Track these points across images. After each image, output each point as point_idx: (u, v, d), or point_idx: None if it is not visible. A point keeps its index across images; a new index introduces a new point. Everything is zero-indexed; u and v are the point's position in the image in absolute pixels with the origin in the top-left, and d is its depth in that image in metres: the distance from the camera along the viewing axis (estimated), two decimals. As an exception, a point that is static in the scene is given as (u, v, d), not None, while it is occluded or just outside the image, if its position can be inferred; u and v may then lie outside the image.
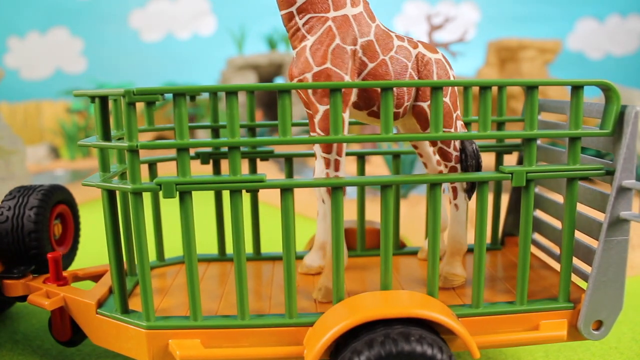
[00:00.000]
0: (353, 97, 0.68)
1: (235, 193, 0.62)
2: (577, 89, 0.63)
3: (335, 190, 0.62)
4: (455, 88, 0.72)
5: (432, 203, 0.65)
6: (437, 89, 0.61)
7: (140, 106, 1.23)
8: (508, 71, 3.19)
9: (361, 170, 0.90)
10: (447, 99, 0.71)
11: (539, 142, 0.86)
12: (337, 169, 0.68)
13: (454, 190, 0.75)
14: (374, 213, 1.02)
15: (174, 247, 1.03)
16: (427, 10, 4.97)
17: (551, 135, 0.65)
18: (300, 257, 0.85)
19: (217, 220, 0.90)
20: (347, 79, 0.65)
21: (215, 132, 0.87)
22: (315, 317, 0.64)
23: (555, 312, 0.68)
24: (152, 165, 0.86)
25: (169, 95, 2.14)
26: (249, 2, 4.95)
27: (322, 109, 0.65)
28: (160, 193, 0.61)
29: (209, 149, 0.86)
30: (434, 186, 0.64)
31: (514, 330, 0.67)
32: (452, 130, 0.72)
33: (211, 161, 0.87)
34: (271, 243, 1.14)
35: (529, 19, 5.31)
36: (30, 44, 5.06)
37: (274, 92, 3.87)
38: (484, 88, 0.62)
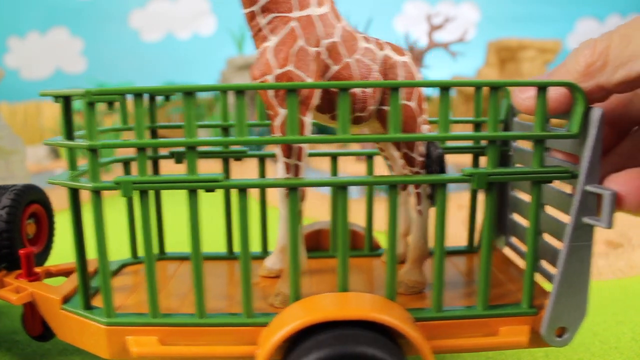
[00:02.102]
0: (316, 100, 0.66)
1: (192, 193, 0.62)
2: (542, 89, 0.60)
3: (292, 192, 0.62)
4: (423, 91, 0.71)
5: (392, 206, 0.64)
6: (395, 90, 0.60)
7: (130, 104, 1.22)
8: (508, 71, 3.19)
9: (334, 171, 0.88)
10: (411, 103, 0.69)
11: (515, 144, 0.84)
12: (297, 173, 0.67)
13: (418, 195, 0.74)
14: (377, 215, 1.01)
15: (172, 243, 1.03)
16: (427, 10, 4.97)
17: (513, 137, 0.63)
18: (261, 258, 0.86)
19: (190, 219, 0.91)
20: (310, 82, 0.63)
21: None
22: (271, 317, 0.64)
23: (517, 318, 0.66)
24: (126, 164, 0.87)
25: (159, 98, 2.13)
26: (249, 2, 4.94)
27: (282, 112, 0.63)
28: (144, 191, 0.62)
29: (182, 149, 0.86)
30: (392, 188, 0.63)
31: (474, 335, 0.66)
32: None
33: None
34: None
35: (529, 19, 5.31)
36: (30, 44, 5.06)
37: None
38: (444, 89, 0.61)
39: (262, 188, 0.62)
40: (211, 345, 0.64)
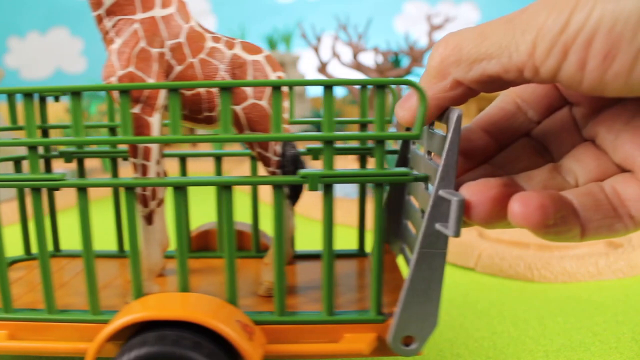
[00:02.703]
0: (163, 101, 0.67)
1: (35, 191, 0.64)
2: (381, 88, 0.60)
3: (128, 191, 0.63)
4: (284, 90, 0.70)
5: (226, 204, 0.63)
6: (225, 90, 0.60)
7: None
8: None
9: (183, 171, 0.90)
10: (262, 102, 0.69)
11: (414, 146, 0.83)
12: (144, 173, 0.67)
13: None
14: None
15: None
16: (427, 10, 4.97)
17: (350, 137, 0.63)
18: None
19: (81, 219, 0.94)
20: (151, 82, 0.63)
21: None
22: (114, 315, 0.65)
23: (363, 325, 0.65)
24: (17, 163, 0.91)
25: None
26: (249, 2, 4.95)
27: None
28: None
29: (72, 148, 0.90)
30: (225, 189, 0.63)
31: (319, 341, 0.65)
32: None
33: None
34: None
35: (529, 19, 5.30)
36: (30, 44, 5.06)
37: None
38: (275, 88, 0.60)
39: (101, 187, 0.63)
40: (58, 341, 0.65)
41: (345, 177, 0.61)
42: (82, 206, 0.64)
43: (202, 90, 0.67)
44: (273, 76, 0.70)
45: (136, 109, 0.64)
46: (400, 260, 0.92)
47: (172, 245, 1.25)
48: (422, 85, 0.53)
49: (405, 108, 0.55)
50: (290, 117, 0.81)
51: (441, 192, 0.55)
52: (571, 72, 0.41)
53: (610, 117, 0.49)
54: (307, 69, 4.06)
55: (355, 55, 2.50)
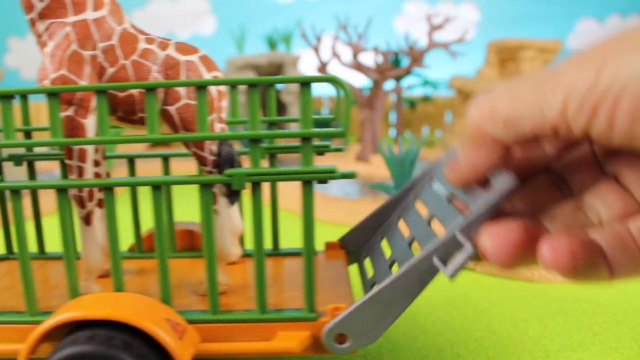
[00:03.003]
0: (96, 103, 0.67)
1: None
2: (305, 86, 0.59)
3: (60, 193, 0.63)
4: (213, 90, 0.70)
5: (156, 203, 0.64)
6: (150, 90, 0.60)
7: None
8: (508, 71, 3.18)
9: (166, 170, 0.90)
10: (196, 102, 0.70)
11: None
12: (80, 175, 0.68)
13: (213, 195, 0.72)
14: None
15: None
16: (427, 10, 4.97)
17: (274, 135, 0.63)
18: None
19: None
20: (83, 84, 0.64)
21: (27, 135, 0.88)
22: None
23: (297, 323, 0.65)
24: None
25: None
26: (249, 2, 4.95)
27: (62, 115, 0.65)
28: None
29: (22, 151, 0.89)
30: (155, 189, 0.64)
31: (254, 339, 0.65)
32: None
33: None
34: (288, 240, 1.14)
35: (529, 19, 5.30)
36: (30, 44, 5.06)
37: (272, 91, 3.85)
38: (200, 88, 0.61)
39: (34, 190, 0.65)
40: None
41: (272, 175, 0.62)
42: (16, 208, 0.64)
43: (134, 91, 0.67)
44: (208, 76, 0.70)
45: (69, 112, 0.65)
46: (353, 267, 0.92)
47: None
48: (460, 150, 0.51)
49: (453, 169, 0.56)
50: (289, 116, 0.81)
51: (458, 235, 0.53)
52: (601, 129, 0.42)
53: (633, 156, 0.50)
54: (307, 68, 4.06)
55: (355, 55, 2.50)
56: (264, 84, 0.63)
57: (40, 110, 3.94)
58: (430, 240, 0.61)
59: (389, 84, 3.33)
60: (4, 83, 2.82)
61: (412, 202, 0.75)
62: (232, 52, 4.13)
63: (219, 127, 0.72)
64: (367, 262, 0.81)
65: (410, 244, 0.67)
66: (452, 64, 3.25)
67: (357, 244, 0.85)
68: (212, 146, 0.71)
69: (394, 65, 3.11)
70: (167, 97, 0.68)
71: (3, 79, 2.18)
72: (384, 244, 0.78)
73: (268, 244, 0.95)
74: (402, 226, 0.74)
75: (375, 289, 0.59)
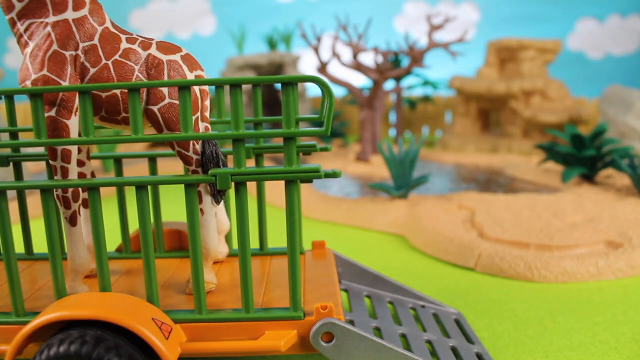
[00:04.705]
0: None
1: None
2: (288, 85, 0.59)
3: (44, 193, 0.63)
4: (196, 89, 0.70)
5: (139, 203, 0.64)
6: (133, 90, 0.60)
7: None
8: (508, 71, 3.18)
9: (153, 170, 0.90)
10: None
11: None
12: (64, 175, 0.68)
13: (198, 194, 0.71)
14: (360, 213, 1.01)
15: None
16: (427, 10, 4.97)
17: (258, 135, 0.63)
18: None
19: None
20: (65, 85, 0.64)
21: (14, 136, 0.88)
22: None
23: (285, 322, 0.66)
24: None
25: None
26: (249, 2, 4.94)
27: (46, 115, 0.65)
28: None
29: (7, 151, 0.88)
30: (139, 189, 0.63)
31: (241, 338, 0.66)
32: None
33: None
34: (275, 240, 1.14)
35: (529, 19, 5.30)
36: (30, 44, 5.07)
37: (275, 91, 3.81)
38: (182, 88, 0.60)
39: (20, 190, 0.65)
40: None
41: (256, 175, 0.62)
42: (1, 208, 0.64)
43: (117, 91, 0.67)
44: (191, 75, 0.70)
45: (52, 112, 0.65)
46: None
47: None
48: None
49: None
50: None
51: None
52: None
53: None
54: (307, 69, 4.06)
55: (355, 55, 2.50)
56: (252, 84, 0.63)
57: (29, 111, 3.94)
58: None
59: (389, 84, 3.33)
60: (4, 83, 2.82)
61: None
62: (232, 52, 4.13)
63: (202, 126, 0.72)
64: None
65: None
66: (452, 64, 3.25)
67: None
68: (197, 146, 0.71)
69: (394, 65, 3.10)
70: (150, 97, 0.68)
71: (3, 79, 2.18)
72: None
73: (255, 244, 0.95)
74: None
75: (379, 339, 0.63)
